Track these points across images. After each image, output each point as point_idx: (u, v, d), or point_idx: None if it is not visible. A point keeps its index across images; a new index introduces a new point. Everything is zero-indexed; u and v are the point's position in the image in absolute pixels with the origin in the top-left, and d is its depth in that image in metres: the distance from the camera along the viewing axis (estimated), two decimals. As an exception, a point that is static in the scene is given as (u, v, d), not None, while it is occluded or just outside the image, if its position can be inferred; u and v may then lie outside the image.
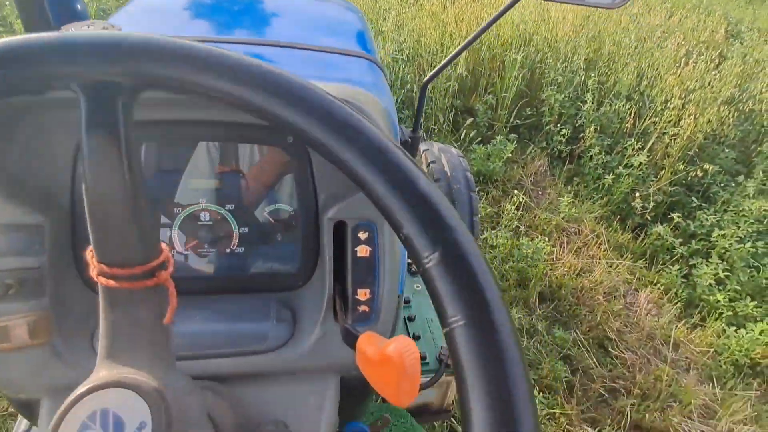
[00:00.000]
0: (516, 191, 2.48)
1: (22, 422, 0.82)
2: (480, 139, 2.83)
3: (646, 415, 1.64)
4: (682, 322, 2.01)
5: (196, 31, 0.87)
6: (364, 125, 0.26)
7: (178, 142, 0.55)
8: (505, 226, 2.33)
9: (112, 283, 0.31)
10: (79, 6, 0.91)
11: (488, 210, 2.42)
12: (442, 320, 0.23)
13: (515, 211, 2.39)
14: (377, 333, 0.40)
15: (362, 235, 0.53)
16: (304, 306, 0.57)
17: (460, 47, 1.00)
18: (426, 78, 1.09)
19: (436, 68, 1.09)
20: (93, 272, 0.32)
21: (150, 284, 0.32)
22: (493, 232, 2.28)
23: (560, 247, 2.28)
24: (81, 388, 0.30)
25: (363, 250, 0.53)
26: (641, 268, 2.25)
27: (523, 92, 3.11)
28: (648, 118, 2.82)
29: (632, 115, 2.81)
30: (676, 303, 2.07)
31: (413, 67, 3.16)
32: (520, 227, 2.34)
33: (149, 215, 0.32)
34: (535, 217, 2.43)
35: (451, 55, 1.03)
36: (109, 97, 0.28)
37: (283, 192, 0.58)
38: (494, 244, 2.20)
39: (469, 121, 2.87)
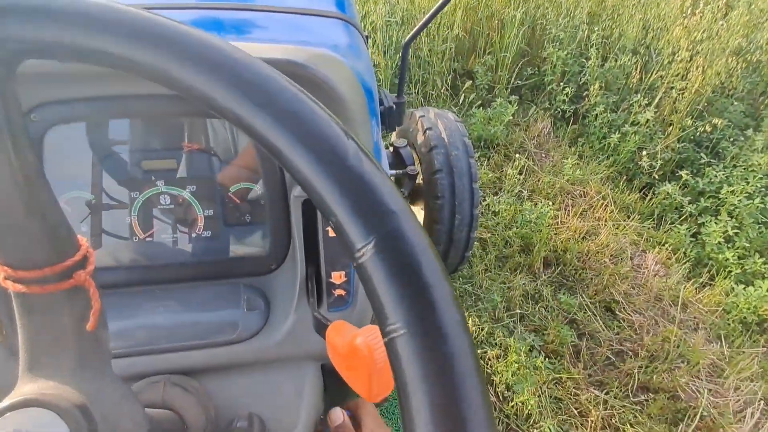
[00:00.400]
0: (518, 155, 2.42)
1: None
2: (480, 102, 2.74)
3: (654, 376, 1.63)
4: (691, 282, 1.98)
5: None
6: (281, 83, 0.21)
7: (125, 118, 0.50)
8: (508, 192, 2.27)
9: (20, 287, 0.27)
10: None
11: (490, 176, 2.36)
12: (381, 327, 0.18)
13: (518, 176, 2.33)
14: (355, 319, 0.36)
15: None
16: (278, 291, 0.53)
17: (439, 3, 0.92)
18: (406, 38, 1.02)
19: (416, 27, 1.01)
20: None
21: (65, 287, 0.28)
22: (495, 198, 2.23)
23: (565, 210, 2.23)
24: None
25: None
26: (649, 228, 2.20)
27: (523, 51, 2.98)
28: (655, 72, 2.71)
29: (638, 69, 2.70)
30: (685, 263, 2.03)
31: (408, 30, 3.04)
32: (523, 192, 2.29)
33: (56, 205, 0.27)
34: (538, 180, 2.37)
35: (431, 12, 0.95)
36: None
37: (248, 169, 0.53)
38: (497, 210, 2.15)
39: (468, 84, 2.77)
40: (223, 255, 0.54)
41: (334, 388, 0.53)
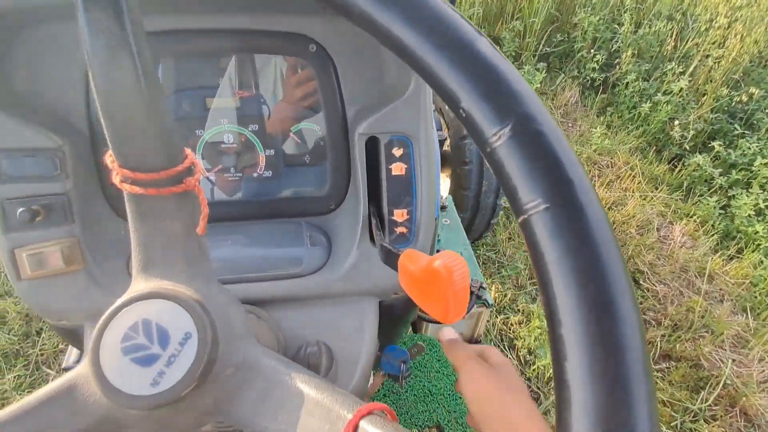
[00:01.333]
0: (545, 124, 2.38)
1: (72, 352, 0.86)
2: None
3: (677, 345, 1.64)
4: (718, 254, 1.96)
5: None
6: None
7: (191, 55, 0.52)
8: (534, 161, 2.25)
9: (137, 189, 0.29)
10: None
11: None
12: (516, 208, 0.19)
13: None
14: None
15: (396, 152, 0.50)
16: (339, 229, 0.55)
17: None
18: None
19: None
20: (116, 179, 0.29)
21: (178, 191, 0.30)
22: (520, 167, 2.22)
23: (591, 180, 2.21)
24: (118, 301, 0.28)
25: (398, 168, 0.50)
26: (677, 200, 2.17)
27: (553, 17, 2.89)
28: (690, 39, 2.61)
29: (673, 36, 2.60)
30: (713, 235, 2.01)
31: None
32: (549, 161, 2.27)
33: (169, 115, 0.29)
34: (565, 150, 2.33)
35: None
36: None
37: (309, 109, 0.54)
38: (522, 179, 2.14)
39: (495, 50, 2.71)
40: (283, 194, 0.56)
41: (385, 327, 0.56)
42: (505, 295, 1.72)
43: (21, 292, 0.47)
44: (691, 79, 2.46)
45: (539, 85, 2.56)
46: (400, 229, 0.52)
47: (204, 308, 0.29)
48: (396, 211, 0.51)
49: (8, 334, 1.48)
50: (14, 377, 1.40)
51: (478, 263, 1.70)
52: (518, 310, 1.69)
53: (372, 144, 0.50)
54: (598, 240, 0.17)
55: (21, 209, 0.44)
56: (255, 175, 0.55)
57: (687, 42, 2.60)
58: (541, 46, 2.81)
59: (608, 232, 0.17)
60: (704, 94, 2.46)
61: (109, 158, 0.29)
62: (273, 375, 0.28)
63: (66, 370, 0.95)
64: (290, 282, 0.51)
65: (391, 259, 0.42)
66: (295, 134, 0.54)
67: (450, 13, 0.20)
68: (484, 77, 0.19)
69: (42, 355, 1.46)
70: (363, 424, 0.24)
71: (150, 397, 0.26)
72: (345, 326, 0.52)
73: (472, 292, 1.21)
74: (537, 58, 2.82)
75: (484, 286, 1.12)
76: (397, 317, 0.60)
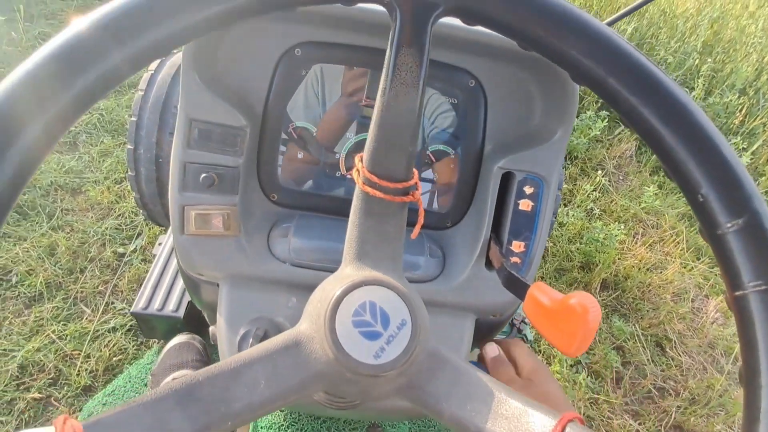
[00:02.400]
0: (596, 172, 2.37)
1: (143, 295, 0.92)
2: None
3: (691, 419, 1.62)
4: None
5: None
6: (664, 78, 0.25)
7: (361, 68, 0.56)
8: (578, 206, 2.25)
9: (377, 192, 0.33)
10: None
11: (563, 186, 2.33)
12: (735, 284, 0.23)
13: (592, 192, 2.29)
14: None
15: (528, 189, 0.53)
16: (453, 247, 0.59)
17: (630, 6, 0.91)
18: (608, 20, 1.01)
19: (621, 11, 1.00)
20: (358, 180, 0.34)
21: (406, 200, 0.34)
22: (564, 209, 2.21)
23: (634, 237, 2.19)
24: (344, 281, 0.32)
25: (525, 204, 0.54)
26: (716, 275, 2.14)
27: (623, 68, 2.89)
28: (759, 118, 2.57)
29: (743, 111, 2.57)
30: None
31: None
32: (594, 209, 2.26)
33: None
34: (612, 201, 2.32)
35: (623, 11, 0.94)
36: (424, 14, 0.28)
37: (447, 133, 0.58)
38: (563, 221, 2.14)
39: (560, 89, 2.72)
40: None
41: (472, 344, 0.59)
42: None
43: (179, 243, 0.52)
44: (752, 156, 2.42)
45: (598, 133, 2.55)
46: (514, 259, 0.55)
47: (414, 300, 0.33)
48: (515, 242, 0.54)
49: (55, 266, 1.55)
50: (52, 307, 1.47)
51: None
52: (541, 350, 1.70)
53: (503, 177, 0.53)
54: None
55: (204, 174, 0.49)
56: None
57: (755, 119, 2.57)
58: (606, 94, 2.81)
59: None
60: (763, 175, 2.43)
61: (359, 161, 0.34)
62: (460, 367, 0.32)
63: (133, 314, 1.00)
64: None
65: (514, 285, 0.45)
66: (431, 152, 0.58)
67: (702, 115, 0.25)
68: (727, 175, 0.24)
69: (82, 292, 1.52)
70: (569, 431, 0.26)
71: (371, 366, 0.30)
72: (447, 334, 0.57)
73: (513, 325, 1.22)
74: (599, 105, 2.82)
75: (526, 321, 1.13)
76: (482, 337, 0.64)
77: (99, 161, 1.89)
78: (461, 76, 0.55)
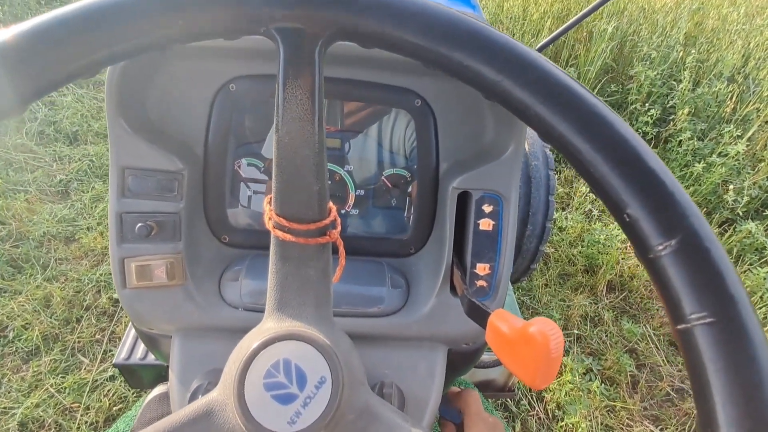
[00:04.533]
0: (592, 173, 2.35)
1: (125, 344, 0.89)
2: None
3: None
4: (766, 328, 1.86)
5: None
6: (582, 90, 0.23)
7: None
8: (576, 209, 2.22)
9: (288, 236, 0.31)
10: None
11: (559, 190, 2.31)
12: (676, 317, 0.20)
13: (589, 194, 2.27)
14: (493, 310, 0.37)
15: (486, 208, 0.51)
16: (417, 274, 0.56)
17: (581, 13, 0.90)
18: (538, 46, 1.01)
19: (552, 35, 1.00)
20: (269, 224, 0.31)
21: (322, 242, 0.32)
22: (563, 213, 2.19)
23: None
24: (260, 337, 0.30)
25: (486, 224, 0.51)
26: (724, 266, 2.09)
27: (609, 67, 2.89)
28: (751, 103, 2.55)
29: (733, 99, 2.55)
30: (761, 308, 1.91)
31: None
32: (593, 211, 2.23)
33: (326, 172, 0.31)
34: (610, 201, 2.29)
35: (571, 21, 0.94)
36: (308, 44, 0.26)
37: (401, 156, 0.56)
38: (563, 226, 2.11)
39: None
40: (368, 233, 0.57)
41: (447, 376, 0.56)
42: (538, 343, 1.68)
43: (123, 298, 0.50)
44: (749, 143, 2.39)
45: (589, 133, 2.54)
46: (480, 283, 0.52)
47: (335, 353, 0.30)
48: (479, 265, 0.52)
49: (50, 317, 1.54)
50: (50, 360, 1.45)
51: (513, 307, 1.67)
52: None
53: (461, 198, 0.51)
54: (761, 358, 0.18)
55: (140, 224, 0.48)
56: (342, 212, 0.56)
57: (747, 105, 2.55)
58: (594, 94, 2.80)
59: None
60: (761, 161, 2.39)
61: (267, 205, 0.32)
62: (393, 421, 0.29)
63: (116, 366, 0.98)
64: (371, 320, 0.52)
65: (475, 313, 0.42)
66: (386, 178, 0.56)
67: (623, 125, 0.22)
68: (655, 190, 0.21)
69: (79, 342, 1.50)
70: None
71: None
72: (416, 370, 0.53)
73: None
74: (589, 105, 2.81)
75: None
76: (459, 367, 0.60)
77: (91, 207, 1.90)
78: (406, 97, 0.53)
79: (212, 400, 0.29)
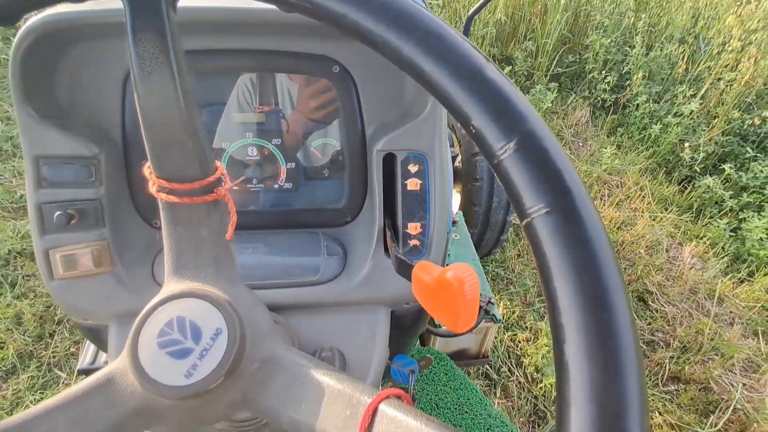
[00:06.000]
0: (555, 143, 2.40)
1: (87, 355, 0.88)
2: (519, 88, 2.72)
3: (686, 367, 1.62)
4: (728, 276, 1.95)
5: None
6: (422, 13, 0.24)
7: (220, 73, 0.55)
8: (544, 179, 2.27)
9: (172, 198, 0.31)
10: None
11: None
12: (520, 213, 0.21)
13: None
14: None
15: (412, 168, 0.52)
16: (354, 241, 0.57)
17: None
18: (470, 11, 1.03)
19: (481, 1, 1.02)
20: (152, 188, 0.31)
21: (209, 199, 0.32)
22: (530, 184, 2.23)
23: (601, 200, 2.21)
24: (154, 300, 0.30)
25: (413, 183, 0.52)
26: (686, 221, 2.16)
27: (565, 38, 2.93)
28: (702, 62, 2.63)
29: (685, 59, 2.62)
30: (723, 257, 2.00)
31: (449, 13, 3.02)
32: (559, 180, 2.28)
33: (202, 129, 0.31)
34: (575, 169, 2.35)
35: None
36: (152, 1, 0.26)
37: (329, 126, 0.57)
38: (532, 197, 2.16)
39: (507, 70, 2.75)
40: (302, 206, 0.58)
41: (395, 336, 0.57)
42: (513, 312, 1.73)
43: (52, 290, 0.50)
44: (702, 101, 2.47)
45: (550, 105, 2.58)
46: (413, 242, 0.54)
47: (233, 307, 0.30)
48: (410, 225, 0.53)
49: (23, 335, 1.51)
50: (28, 378, 1.43)
51: (487, 279, 1.71)
52: (526, 327, 1.70)
53: (389, 160, 0.53)
54: (593, 239, 0.19)
55: (58, 213, 0.47)
56: (276, 186, 0.57)
57: (699, 65, 2.62)
58: (552, 66, 2.84)
59: (602, 233, 0.20)
60: (715, 117, 2.47)
61: (147, 169, 0.31)
62: (296, 369, 0.30)
63: (81, 372, 0.96)
64: (307, 289, 0.53)
65: (404, 269, 0.44)
66: (315, 148, 0.57)
67: (462, 43, 0.23)
68: (493, 99, 0.22)
69: (54, 357, 1.48)
70: (382, 407, 0.25)
71: (183, 387, 0.28)
72: (358, 333, 0.54)
73: (480, 306, 1.22)
74: (549, 78, 2.86)
75: (492, 301, 1.13)
76: (407, 327, 0.62)
77: (56, 221, 1.86)
78: (324, 64, 0.54)
79: (112, 369, 0.29)
